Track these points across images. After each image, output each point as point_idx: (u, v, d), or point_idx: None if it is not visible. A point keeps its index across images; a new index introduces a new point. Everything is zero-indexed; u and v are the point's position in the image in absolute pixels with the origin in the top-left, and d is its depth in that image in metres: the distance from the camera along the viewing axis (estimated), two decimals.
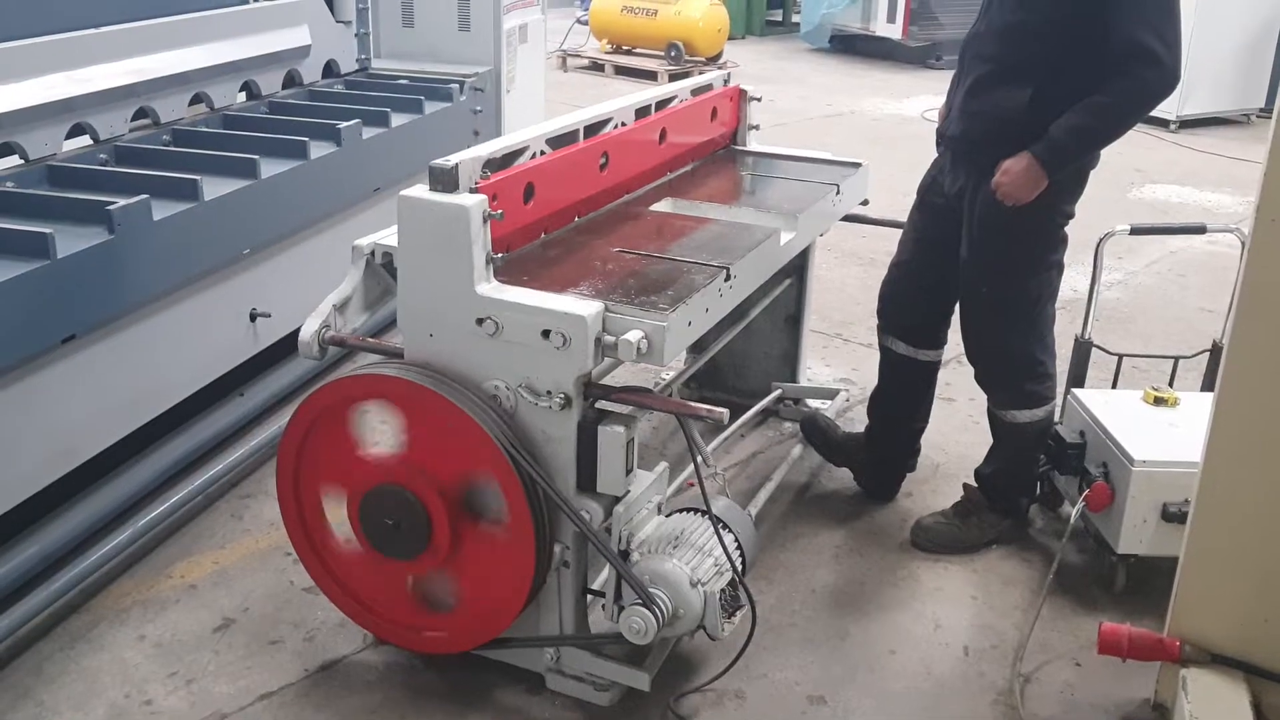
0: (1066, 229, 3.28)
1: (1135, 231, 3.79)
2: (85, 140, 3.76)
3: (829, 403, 4.30)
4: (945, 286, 3.49)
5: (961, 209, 3.32)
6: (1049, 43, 3.05)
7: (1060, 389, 3.70)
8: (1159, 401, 3.51)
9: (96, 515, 3.24)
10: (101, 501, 3.26)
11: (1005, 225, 3.19)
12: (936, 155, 3.48)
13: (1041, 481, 3.66)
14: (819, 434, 3.95)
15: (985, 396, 3.52)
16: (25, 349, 2.85)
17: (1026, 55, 3.10)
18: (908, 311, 3.60)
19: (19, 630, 2.95)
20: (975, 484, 3.62)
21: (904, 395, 3.72)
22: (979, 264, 3.31)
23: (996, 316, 3.35)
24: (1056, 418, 3.64)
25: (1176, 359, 3.86)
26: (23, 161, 3.48)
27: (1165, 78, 2.96)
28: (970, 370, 3.53)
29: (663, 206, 3.43)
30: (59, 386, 3.00)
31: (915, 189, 3.56)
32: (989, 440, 3.59)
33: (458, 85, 4.98)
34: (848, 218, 3.95)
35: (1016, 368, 3.39)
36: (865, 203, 4.00)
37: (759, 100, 4.14)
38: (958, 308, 3.46)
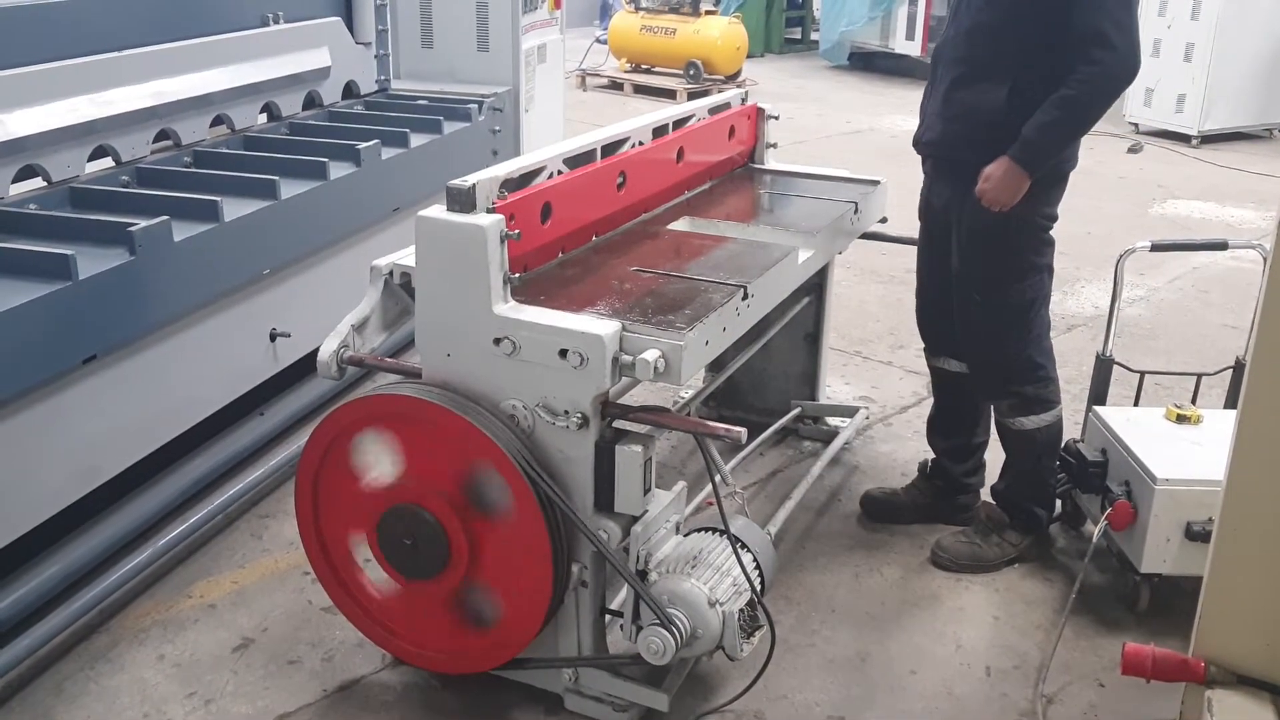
0: (1052, 232, 3.31)
1: (1156, 248, 3.76)
2: (107, 162, 3.80)
3: (848, 420, 4.28)
4: None
5: (945, 216, 3.35)
6: (1017, 39, 3.11)
7: (1082, 406, 3.68)
8: (1182, 419, 3.48)
9: (117, 535, 3.25)
10: (122, 521, 3.28)
11: (992, 232, 3.22)
12: (923, 173, 3.51)
13: (1063, 500, 3.63)
14: (881, 506, 3.82)
15: (993, 410, 3.50)
16: (47, 370, 2.87)
17: (997, 53, 3.15)
18: (945, 331, 3.59)
19: (39, 650, 2.96)
20: (994, 502, 3.59)
21: (964, 411, 3.70)
22: (971, 273, 3.34)
23: (992, 324, 3.36)
24: (1079, 435, 3.61)
25: (1199, 376, 3.83)
26: (45, 183, 3.52)
27: (1122, 61, 3.02)
28: None
29: (680, 225, 3.43)
30: (80, 407, 3.02)
31: None
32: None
33: (476, 105, 5.00)
34: (866, 235, 3.94)
35: (1017, 373, 3.39)
36: (884, 220, 4.00)
37: (776, 118, 4.14)
38: (955, 318, 3.46)
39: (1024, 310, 3.33)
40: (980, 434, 3.73)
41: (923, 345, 3.74)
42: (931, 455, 3.81)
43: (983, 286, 3.33)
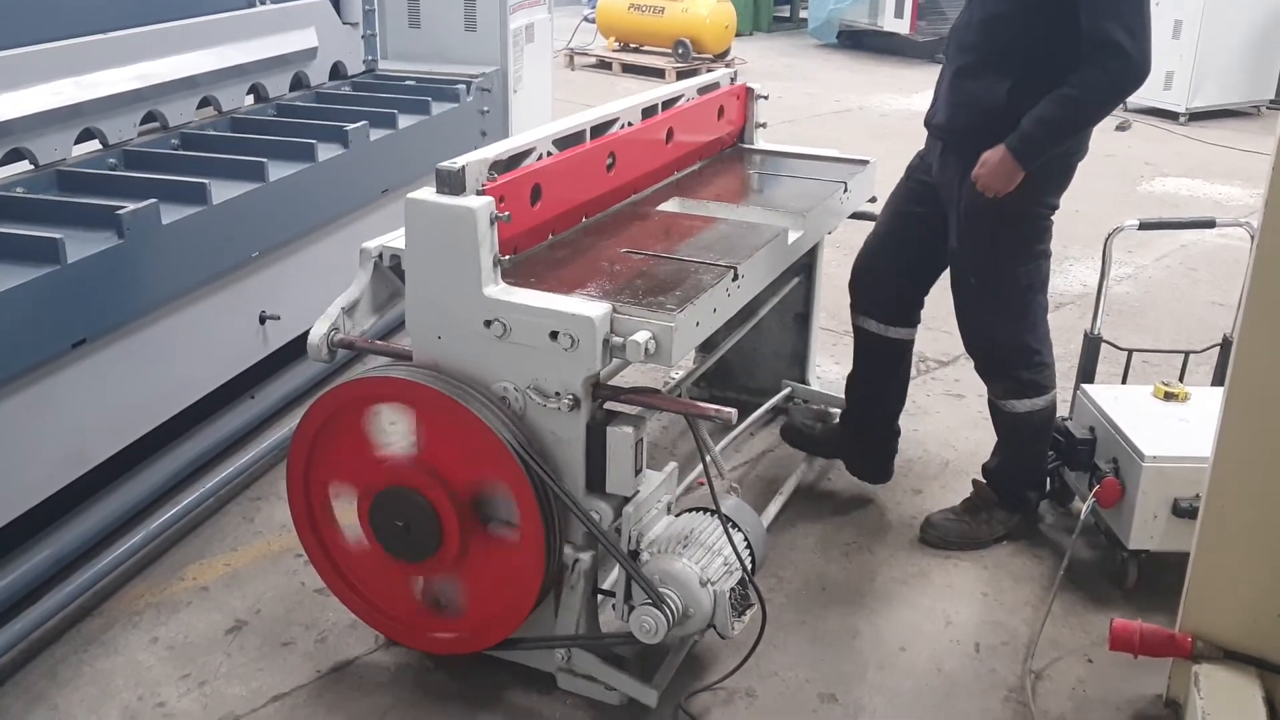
0: (1052, 219, 3.30)
1: (1144, 226, 3.77)
2: (94, 145, 3.78)
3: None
4: (921, 265, 3.53)
5: (947, 195, 3.34)
6: (1028, 33, 3.09)
7: (1070, 384, 3.70)
8: (1169, 396, 3.49)
9: (109, 519, 3.25)
10: (114, 505, 3.28)
11: (989, 216, 3.21)
12: (926, 140, 3.49)
13: (1052, 477, 3.65)
14: (799, 435, 3.96)
15: (987, 390, 3.52)
16: (37, 354, 2.87)
17: (1007, 46, 3.13)
18: (881, 286, 3.59)
19: (33, 634, 2.97)
20: (984, 480, 3.61)
21: (876, 374, 3.70)
22: (966, 254, 3.34)
23: (986, 307, 3.36)
24: (1067, 413, 3.63)
25: (1187, 354, 3.85)
26: (33, 167, 3.50)
27: (1131, 70, 2.97)
28: None
29: (670, 206, 3.43)
30: (70, 391, 3.02)
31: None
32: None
33: (464, 86, 4.98)
34: (856, 215, 3.94)
35: (1011, 357, 3.40)
36: (873, 200, 3.99)
37: (766, 98, 4.13)
38: (951, 300, 3.46)
39: (1019, 295, 3.32)
40: (893, 399, 3.74)
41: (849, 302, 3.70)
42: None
43: (977, 269, 3.32)
